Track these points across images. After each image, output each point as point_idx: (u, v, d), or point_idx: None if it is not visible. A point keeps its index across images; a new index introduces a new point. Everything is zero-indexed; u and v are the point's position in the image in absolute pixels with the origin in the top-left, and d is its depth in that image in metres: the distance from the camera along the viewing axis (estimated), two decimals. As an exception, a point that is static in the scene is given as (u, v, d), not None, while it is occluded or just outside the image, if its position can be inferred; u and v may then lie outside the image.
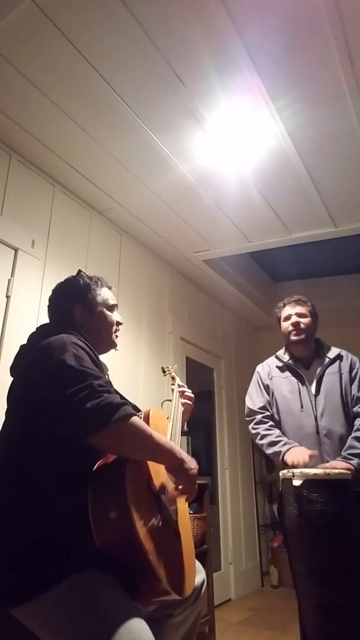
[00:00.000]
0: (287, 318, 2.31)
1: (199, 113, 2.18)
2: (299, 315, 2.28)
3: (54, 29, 1.78)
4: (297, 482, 1.75)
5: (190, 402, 1.66)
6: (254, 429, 2.25)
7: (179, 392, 1.65)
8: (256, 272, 4.61)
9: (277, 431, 2.18)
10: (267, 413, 2.26)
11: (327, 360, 2.26)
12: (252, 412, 2.30)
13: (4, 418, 1.21)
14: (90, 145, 2.39)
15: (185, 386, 1.71)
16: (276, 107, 2.13)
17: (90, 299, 1.39)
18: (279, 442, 2.11)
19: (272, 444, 2.12)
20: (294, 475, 1.78)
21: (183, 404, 1.62)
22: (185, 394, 1.66)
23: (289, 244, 3.40)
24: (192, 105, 2.13)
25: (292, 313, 2.30)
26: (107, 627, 0.92)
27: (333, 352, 2.29)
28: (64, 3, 1.69)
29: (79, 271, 1.46)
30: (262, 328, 5.19)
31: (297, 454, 1.99)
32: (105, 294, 1.43)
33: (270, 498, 4.68)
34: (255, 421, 2.26)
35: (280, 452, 2.06)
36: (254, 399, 2.33)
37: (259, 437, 2.21)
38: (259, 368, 2.42)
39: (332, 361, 2.26)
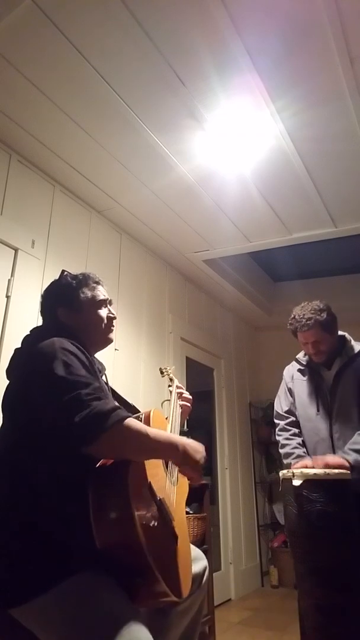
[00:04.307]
0: (304, 343, 2.14)
1: (199, 113, 2.18)
2: (315, 343, 2.09)
3: (54, 29, 1.78)
4: (296, 482, 1.75)
5: (188, 404, 1.64)
6: (277, 435, 2.24)
7: (177, 393, 1.64)
8: (256, 272, 4.61)
9: (294, 441, 2.13)
10: (292, 418, 2.22)
11: (346, 359, 2.10)
12: (278, 416, 2.28)
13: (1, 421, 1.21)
14: (90, 145, 2.39)
15: (183, 387, 1.69)
16: (276, 107, 2.13)
17: (74, 299, 1.36)
18: (291, 454, 2.09)
19: (287, 455, 2.12)
20: (293, 475, 1.78)
21: (181, 406, 1.61)
22: (184, 395, 1.64)
23: (289, 244, 3.40)
24: (192, 105, 2.13)
25: (306, 341, 2.11)
26: (107, 628, 0.92)
27: (354, 348, 2.12)
28: (64, 3, 1.69)
29: (62, 272, 1.44)
30: (262, 328, 5.19)
31: (300, 462, 2.00)
32: (90, 292, 1.39)
33: (270, 498, 4.68)
34: (279, 427, 2.24)
35: (290, 464, 2.06)
36: (281, 401, 2.30)
37: (279, 445, 2.20)
38: (285, 371, 2.36)
39: (352, 359, 2.09)
